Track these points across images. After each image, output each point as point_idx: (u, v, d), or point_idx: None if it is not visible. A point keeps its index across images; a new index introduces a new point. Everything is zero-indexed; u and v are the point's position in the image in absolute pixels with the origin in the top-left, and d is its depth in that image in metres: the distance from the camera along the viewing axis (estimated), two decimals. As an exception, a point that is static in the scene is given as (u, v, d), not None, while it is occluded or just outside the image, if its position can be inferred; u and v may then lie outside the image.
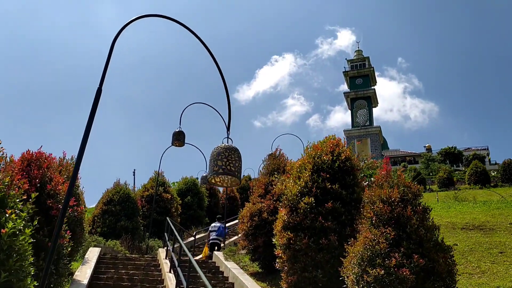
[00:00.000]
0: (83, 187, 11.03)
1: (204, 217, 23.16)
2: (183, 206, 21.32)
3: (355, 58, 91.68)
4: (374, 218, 6.38)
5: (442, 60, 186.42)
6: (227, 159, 4.94)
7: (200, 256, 15.17)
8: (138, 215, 17.10)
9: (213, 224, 15.59)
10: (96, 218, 16.28)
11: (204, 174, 18.04)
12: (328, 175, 8.35)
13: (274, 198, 10.77)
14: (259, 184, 11.59)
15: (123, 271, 10.70)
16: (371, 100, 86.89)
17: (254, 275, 10.72)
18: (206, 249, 14.72)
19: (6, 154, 4.94)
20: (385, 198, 6.41)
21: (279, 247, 8.22)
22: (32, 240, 4.62)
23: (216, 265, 12.32)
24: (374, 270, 5.71)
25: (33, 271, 4.43)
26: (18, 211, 4.36)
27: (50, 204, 6.06)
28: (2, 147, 4.68)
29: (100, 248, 12.39)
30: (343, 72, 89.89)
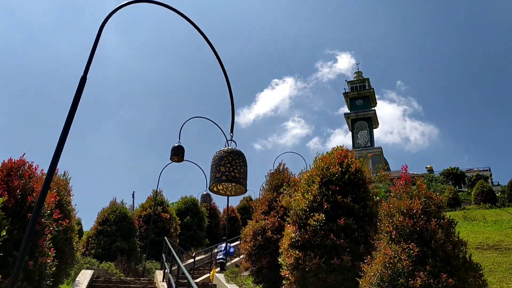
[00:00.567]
0: (75, 205, 10.34)
1: (204, 238, 22.27)
2: (183, 226, 20.50)
3: (355, 79, 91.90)
4: (393, 232, 5.71)
5: (441, 83, 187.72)
6: (230, 164, 4.33)
7: (207, 275, 14.66)
8: (135, 236, 16.32)
9: (219, 245, 15.38)
10: (90, 239, 15.49)
11: (205, 193, 17.39)
12: (337, 188, 7.75)
13: (279, 215, 10.11)
14: (263, 201, 10.93)
15: (117, 295, 9.93)
16: (372, 121, 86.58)
17: (258, 299, 9.94)
18: (214, 270, 14.07)
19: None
20: (405, 210, 5.77)
21: (285, 268, 7.53)
22: (9, 259, 3.98)
23: (217, 288, 11.52)
24: (397, 291, 5.02)
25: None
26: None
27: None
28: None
29: (93, 271, 11.62)
30: (343, 93, 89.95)
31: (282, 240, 8.06)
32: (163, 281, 10.95)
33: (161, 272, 12.14)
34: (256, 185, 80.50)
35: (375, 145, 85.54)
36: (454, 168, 75.33)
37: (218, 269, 14.26)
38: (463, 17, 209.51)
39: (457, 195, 40.34)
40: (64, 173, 10.27)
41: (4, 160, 5.69)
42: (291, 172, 11.70)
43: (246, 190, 4.54)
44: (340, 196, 7.58)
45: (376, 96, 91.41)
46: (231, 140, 4.86)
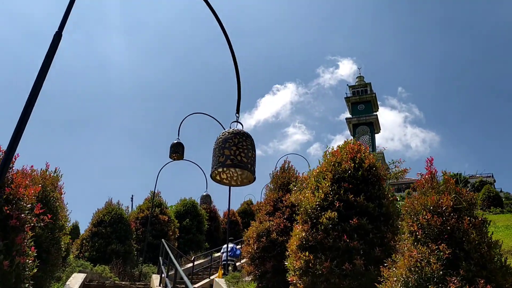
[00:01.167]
0: (67, 203, 9.67)
1: (203, 241, 21.49)
2: (181, 229, 19.75)
3: (356, 84, 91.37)
4: (419, 232, 5.03)
5: (442, 90, 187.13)
6: (236, 147, 3.65)
7: (206, 280, 13.97)
8: (132, 238, 15.59)
9: (225, 246, 14.87)
10: (84, 241, 14.76)
11: (204, 194, 16.68)
12: (350, 185, 7.10)
13: (285, 216, 9.43)
14: (267, 201, 10.24)
15: (109, 300, 9.24)
16: (374, 126, 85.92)
17: (261, 306, 9.22)
18: (220, 272, 13.42)
19: None
20: (432, 208, 5.10)
21: (293, 272, 6.85)
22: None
23: (217, 294, 10.80)
24: (428, 299, 4.35)
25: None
26: None
27: (9, 212, 4.75)
28: None
29: (85, 274, 10.93)
30: (345, 98, 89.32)
31: (288, 242, 7.39)
32: (159, 286, 10.26)
33: (158, 276, 11.45)
34: (256, 190, 79.60)
35: (377, 151, 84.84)
36: (457, 174, 74.57)
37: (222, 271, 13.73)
38: (465, 24, 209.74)
39: (462, 201, 39.50)
40: (56, 169, 9.64)
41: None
42: (296, 171, 11.02)
43: (254, 179, 3.87)
44: (352, 195, 6.92)
45: (378, 102, 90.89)
46: (237, 121, 4.20)
